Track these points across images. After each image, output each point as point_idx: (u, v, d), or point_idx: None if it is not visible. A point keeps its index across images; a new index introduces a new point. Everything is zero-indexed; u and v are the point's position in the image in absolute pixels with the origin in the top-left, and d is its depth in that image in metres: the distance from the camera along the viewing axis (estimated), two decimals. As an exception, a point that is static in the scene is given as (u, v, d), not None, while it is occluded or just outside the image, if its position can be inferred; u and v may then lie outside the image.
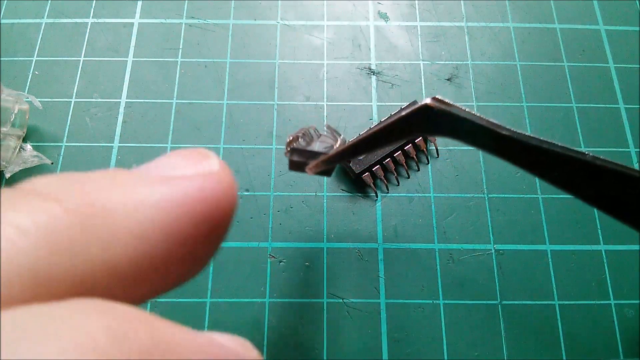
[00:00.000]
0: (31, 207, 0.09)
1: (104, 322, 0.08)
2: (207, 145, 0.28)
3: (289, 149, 0.19)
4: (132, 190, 0.11)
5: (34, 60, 0.30)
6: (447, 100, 0.14)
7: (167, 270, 0.11)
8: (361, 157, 0.26)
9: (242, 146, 0.28)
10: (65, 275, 0.09)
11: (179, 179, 0.12)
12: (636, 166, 0.28)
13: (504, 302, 0.25)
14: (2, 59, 0.30)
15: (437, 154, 0.28)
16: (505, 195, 0.27)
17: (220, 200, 0.12)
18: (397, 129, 0.16)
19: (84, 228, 0.10)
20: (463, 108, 0.14)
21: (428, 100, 0.14)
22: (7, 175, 0.26)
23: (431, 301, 0.25)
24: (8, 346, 0.08)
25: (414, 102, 0.27)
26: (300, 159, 0.19)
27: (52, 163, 0.27)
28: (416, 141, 0.26)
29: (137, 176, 0.11)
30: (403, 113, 0.16)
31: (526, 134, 0.14)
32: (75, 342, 0.08)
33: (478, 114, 0.14)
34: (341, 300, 0.25)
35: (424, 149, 0.27)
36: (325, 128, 0.22)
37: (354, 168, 0.26)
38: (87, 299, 0.09)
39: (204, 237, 0.12)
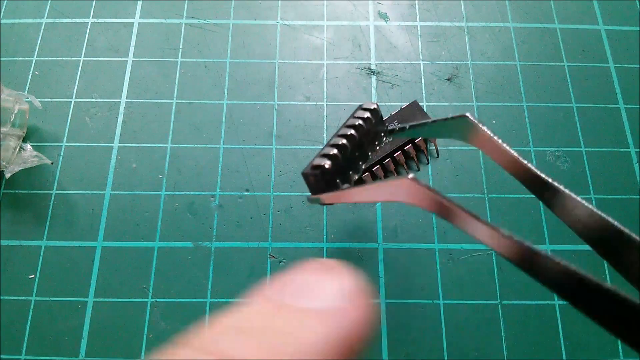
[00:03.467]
0: None
1: None
2: (207, 145, 0.28)
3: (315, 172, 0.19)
4: (305, 332, 0.11)
5: (34, 60, 0.30)
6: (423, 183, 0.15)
7: None
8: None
9: (242, 146, 0.28)
10: None
11: (337, 312, 0.12)
12: (636, 166, 0.28)
13: (504, 302, 0.25)
14: (2, 59, 0.30)
15: (437, 154, 0.28)
16: (505, 195, 0.27)
17: (359, 328, 0.13)
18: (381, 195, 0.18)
19: None
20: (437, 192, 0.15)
21: (410, 176, 0.15)
22: (7, 175, 0.26)
23: (431, 301, 0.25)
24: None
25: (414, 102, 0.27)
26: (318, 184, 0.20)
27: (52, 163, 0.27)
28: (416, 141, 0.26)
29: (301, 314, 0.12)
30: (385, 186, 0.17)
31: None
32: None
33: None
34: (341, 300, 0.25)
35: (424, 149, 0.27)
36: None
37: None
38: None
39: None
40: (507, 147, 0.17)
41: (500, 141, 0.18)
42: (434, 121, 0.20)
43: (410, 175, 0.15)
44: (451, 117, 0.19)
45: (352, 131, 0.20)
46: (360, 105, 0.22)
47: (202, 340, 0.11)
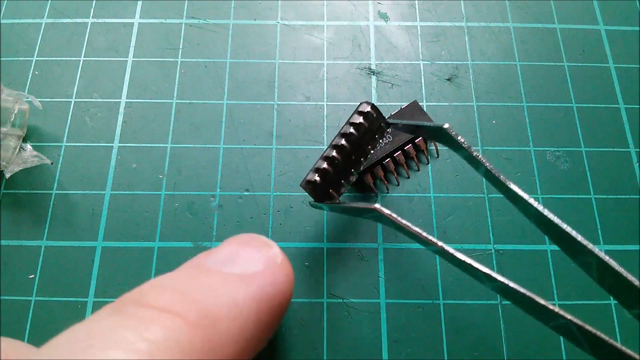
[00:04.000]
0: (162, 324, 0.11)
1: None
2: (207, 145, 0.28)
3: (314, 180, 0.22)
4: (225, 294, 0.12)
5: (34, 60, 0.30)
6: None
7: (249, 354, 0.13)
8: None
9: (242, 146, 0.28)
10: None
11: (256, 276, 0.14)
12: (636, 166, 0.28)
13: (504, 302, 0.25)
14: (2, 59, 0.30)
15: (437, 154, 0.28)
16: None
17: (287, 288, 0.14)
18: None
19: (203, 337, 0.11)
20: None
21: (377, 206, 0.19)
22: (7, 176, 0.26)
23: (431, 301, 0.25)
24: None
25: (414, 102, 0.27)
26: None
27: (52, 163, 0.27)
28: (416, 141, 0.26)
29: (221, 277, 0.13)
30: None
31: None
32: None
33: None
34: (341, 300, 0.25)
35: (424, 149, 0.27)
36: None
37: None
38: None
39: (277, 320, 0.14)
40: (484, 160, 0.19)
41: (475, 153, 0.19)
42: (417, 126, 0.22)
43: (377, 205, 0.18)
44: (433, 125, 0.21)
45: (343, 141, 0.22)
46: (357, 108, 0.23)
47: (131, 295, 0.13)
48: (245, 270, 0.14)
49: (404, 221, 0.17)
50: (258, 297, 0.13)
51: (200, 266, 0.14)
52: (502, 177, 0.18)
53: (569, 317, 0.14)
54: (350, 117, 0.23)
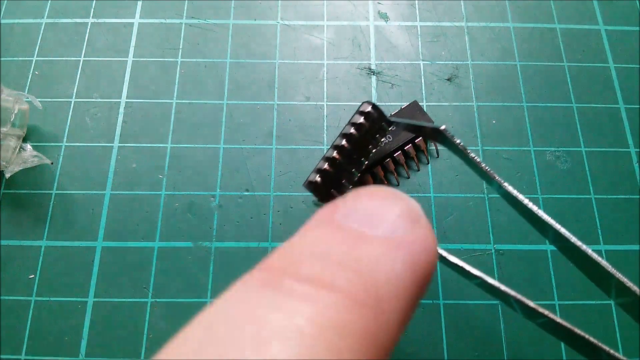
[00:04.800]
0: (329, 303, 0.09)
1: None
2: (207, 145, 0.28)
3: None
4: (384, 264, 0.10)
5: (34, 60, 0.30)
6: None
7: (404, 328, 0.11)
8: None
9: (242, 146, 0.28)
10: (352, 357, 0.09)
11: (407, 241, 0.11)
12: (636, 166, 0.28)
13: (504, 302, 0.25)
14: (2, 59, 0.30)
15: (437, 154, 0.28)
16: (505, 195, 0.27)
17: (434, 258, 0.12)
18: None
19: (368, 319, 0.09)
20: None
21: None
22: (7, 176, 0.26)
23: (431, 301, 0.25)
24: None
25: (414, 102, 0.27)
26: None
27: (52, 163, 0.27)
28: (416, 141, 0.26)
29: (376, 242, 0.11)
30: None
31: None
32: None
33: None
34: (341, 300, 0.25)
35: (424, 149, 0.27)
36: None
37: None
38: None
39: (424, 290, 0.12)
40: (479, 160, 0.19)
41: (472, 155, 0.19)
42: (417, 126, 0.22)
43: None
44: (430, 127, 0.20)
45: (344, 142, 0.22)
46: (358, 108, 0.23)
47: (281, 263, 0.11)
48: (391, 232, 0.11)
49: None
50: (414, 268, 0.11)
51: (339, 225, 0.11)
52: (497, 178, 0.18)
53: (547, 313, 0.14)
54: (351, 118, 0.23)
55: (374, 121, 0.23)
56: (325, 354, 0.08)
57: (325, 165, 0.22)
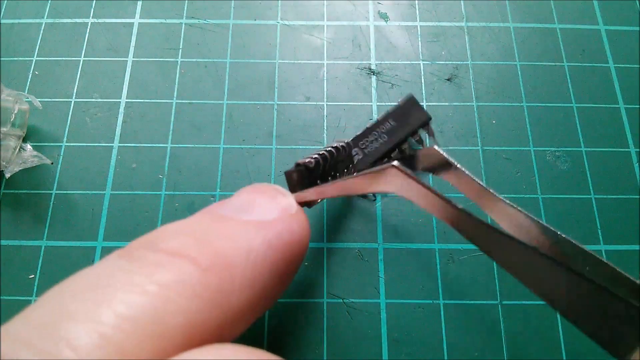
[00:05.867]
0: (174, 268, 0.11)
1: None
2: (207, 145, 0.28)
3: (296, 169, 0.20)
4: (240, 240, 0.12)
5: (34, 60, 0.30)
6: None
7: (264, 305, 0.13)
8: (361, 157, 0.26)
9: (242, 146, 0.28)
10: (203, 325, 0.10)
11: (271, 224, 0.13)
12: (636, 166, 0.28)
13: (504, 302, 0.25)
14: (2, 59, 0.30)
15: (423, 145, 0.28)
16: (505, 195, 0.27)
17: (303, 237, 0.14)
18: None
19: (216, 282, 0.11)
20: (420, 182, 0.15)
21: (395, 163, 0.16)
22: (7, 175, 0.26)
23: (431, 301, 0.25)
24: None
25: (409, 96, 0.27)
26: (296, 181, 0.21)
27: (52, 163, 0.27)
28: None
29: (236, 224, 0.13)
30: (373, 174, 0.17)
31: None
32: None
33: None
34: (341, 300, 0.25)
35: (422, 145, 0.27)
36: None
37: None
38: (224, 345, 0.10)
39: (292, 270, 0.14)
40: (474, 177, 0.19)
41: (463, 169, 0.19)
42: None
43: (395, 162, 0.15)
44: (421, 149, 0.21)
45: (339, 145, 0.22)
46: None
47: (141, 240, 0.12)
48: (260, 217, 0.13)
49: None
50: (273, 244, 0.13)
51: (214, 213, 0.13)
52: (492, 192, 0.18)
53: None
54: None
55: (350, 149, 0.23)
56: (165, 308, 0.10)
57: (308, 161, 0.21)
